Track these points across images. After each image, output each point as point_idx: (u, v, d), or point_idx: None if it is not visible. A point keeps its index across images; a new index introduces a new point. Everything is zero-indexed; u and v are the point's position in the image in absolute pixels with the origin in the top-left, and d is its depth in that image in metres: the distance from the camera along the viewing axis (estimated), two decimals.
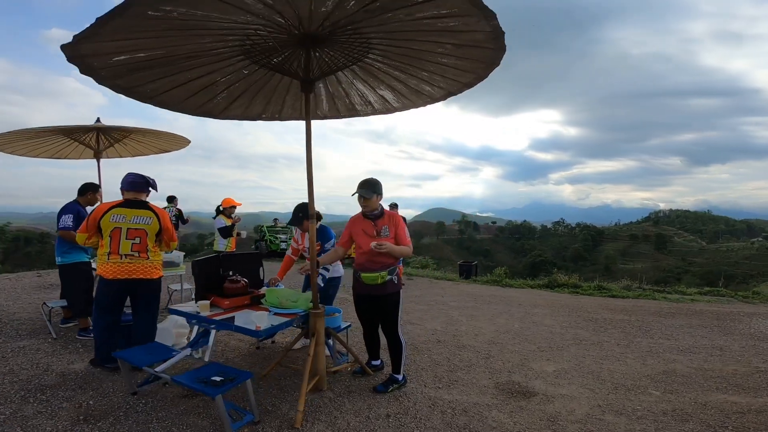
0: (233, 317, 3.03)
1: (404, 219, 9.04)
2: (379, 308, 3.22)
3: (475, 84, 3.15)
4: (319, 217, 4.01)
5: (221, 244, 6.34)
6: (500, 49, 2.61)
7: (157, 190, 3.54)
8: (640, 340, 4.69)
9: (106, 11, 1.96)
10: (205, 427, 2.59)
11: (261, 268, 3.88)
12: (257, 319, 2.90)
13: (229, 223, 6.33)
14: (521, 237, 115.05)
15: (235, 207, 6.50)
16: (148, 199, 3.50)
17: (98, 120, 5.84)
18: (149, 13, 2.07)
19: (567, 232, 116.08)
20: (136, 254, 3.26)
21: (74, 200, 4.34)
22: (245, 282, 3.44)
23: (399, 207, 8.56)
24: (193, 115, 3.62)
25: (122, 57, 2.60)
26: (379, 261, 3.10)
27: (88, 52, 2.45)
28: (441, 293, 7.81)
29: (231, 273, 3.48)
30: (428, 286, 8.70)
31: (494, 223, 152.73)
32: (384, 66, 3.08)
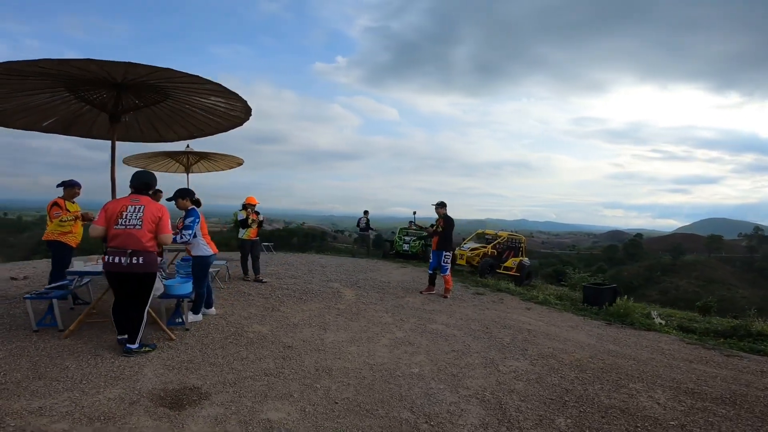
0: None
1: (450, 219, 7.56)
2: None
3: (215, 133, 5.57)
4: (196, 203, 4.63)
5: (241, 233, 7.28)
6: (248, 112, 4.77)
7: (63, 185, 5.08)
8: None
9: None
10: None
11: None
12: (77, 266, 4.59)
13: (244, 215, 7.15)
14: None
15: (254, 204, 7.33)
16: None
17: (188, 146, 7.95)
18: None
19: None
20: None
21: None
22: None
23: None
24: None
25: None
26: None
27: None
28: (463, 315, 6.07)
29: None
30: (481, 305, 6.85)
31: None
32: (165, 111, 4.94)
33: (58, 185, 5.12)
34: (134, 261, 3.44)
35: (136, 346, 3.57)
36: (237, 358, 3.60)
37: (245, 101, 4.34)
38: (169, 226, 3.64)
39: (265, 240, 12.80)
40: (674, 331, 6.39)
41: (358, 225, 14.16)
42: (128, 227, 3.44)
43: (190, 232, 4.23)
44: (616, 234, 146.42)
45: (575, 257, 66.98)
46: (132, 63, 3.45)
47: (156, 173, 8.91)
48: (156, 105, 4.64)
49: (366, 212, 14.02)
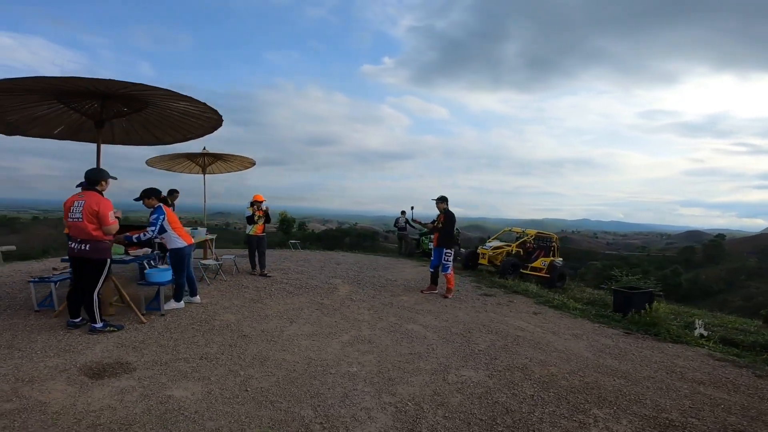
0: None
1: (451, 215, 7.28)
2: None
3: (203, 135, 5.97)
4: (163, 200, 5.03)
5: (248, 229, 7.57)
6: (216, 112, 4.98)
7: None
8: None
9: None
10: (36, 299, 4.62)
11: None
12: None
13: (251, 212, 7.43)
14: None
15: (260, 201, 7.56)
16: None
17: (204, 148, 8.49)
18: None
19: None
20: None
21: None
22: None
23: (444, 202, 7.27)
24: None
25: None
26: None
27: None
28: (451, 317, 5.82)
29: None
30: (481, 307, 6.49)
31: None
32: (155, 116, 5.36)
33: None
34: (83, 248, 3.90)
35: (99, 325, 3.94)
36: (186, 343, 3.78)
37: (204, 103, 4.53)
38: (109, 217, 3.93)
39: (309, 239, 13.27)
40: (712, 344, 5.54)
41: (396, 225, 14.78)
42: (74, 220, 3.90)
43: (153, 228, 4.63)
44: (694, 234, 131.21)
45: (645, 259, 61.07)
46: (78, 77, 3.81)
47: (176, 174, 9.50)
48: (142, 111, 4.96)
49: (403, 212, 14.40)
